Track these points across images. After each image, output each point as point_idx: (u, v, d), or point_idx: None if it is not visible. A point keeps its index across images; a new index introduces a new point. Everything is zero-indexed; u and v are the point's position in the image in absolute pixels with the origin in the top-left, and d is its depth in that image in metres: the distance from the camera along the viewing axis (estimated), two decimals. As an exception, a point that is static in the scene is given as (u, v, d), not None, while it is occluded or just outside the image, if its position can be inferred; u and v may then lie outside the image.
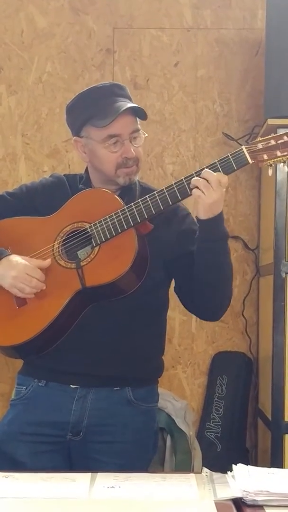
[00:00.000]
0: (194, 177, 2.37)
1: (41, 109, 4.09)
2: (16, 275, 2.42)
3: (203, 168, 2.37)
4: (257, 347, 4.05)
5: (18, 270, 2.43)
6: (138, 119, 2.52)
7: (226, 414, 3.99)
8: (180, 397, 3.91)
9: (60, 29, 4.10)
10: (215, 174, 2.34)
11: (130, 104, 2.48)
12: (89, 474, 2.13)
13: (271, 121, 3.43)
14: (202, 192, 2.34)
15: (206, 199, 2.34)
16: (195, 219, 2.44)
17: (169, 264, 2.53)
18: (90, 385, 2.49)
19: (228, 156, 2.37)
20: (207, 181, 2.33)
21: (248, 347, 4.06)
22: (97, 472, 2.15)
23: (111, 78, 4.04)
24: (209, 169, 2.37)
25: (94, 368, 2.48)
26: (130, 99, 2.55)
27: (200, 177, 2.34)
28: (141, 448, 2.54)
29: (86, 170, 2.62)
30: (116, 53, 4.10)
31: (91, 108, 2.49)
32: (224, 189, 2.36)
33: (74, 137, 2.58)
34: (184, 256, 2.50)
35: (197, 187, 2.34)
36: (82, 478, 2.10)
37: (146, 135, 2.57)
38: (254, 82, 4.07)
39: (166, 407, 3.75)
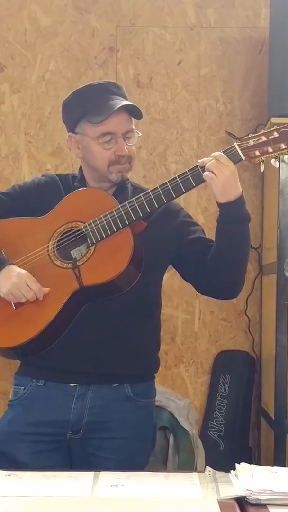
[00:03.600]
0: (189, 173, 2.39)
1: (44, 107, 4.09)
2: (17, 281, 2.42)
3: (195, 167, 2.39)
4: (260, 346, 4.05)
5: (19, 278, 2.43)
6: (133, 118, 2.53)
7: (229, 413, 3.99)
8: (183, 396, 3.91)
9: (63, 28, 4.10)
10: (223, 153, 2.36)
11: (125, 102, 2.49)
12: (92, 472, 2.13)
13: (274, 120, 3.43)
14: (213, 173, 2.35)
15: (218, 179, 2.35)
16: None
17: (176, 257, 2.56)
18: (89, 383, 2.49)
19: (221, 153, 2.37)
20: (216, 160, 2.35)
21: (251, 346, 4.05)
22: (99, 471, 2.15)
23: (114, 77, 4.04)
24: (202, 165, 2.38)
25: (92, 365, 2.48)
26: (126, 99, 2.55)
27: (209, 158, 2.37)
28: (140, 443, 2.55)
29: (80, 169, 2.63)
30: (119, 51, 4.10)
31: (86, 105, 2.50)
32: (236, 174, 2.36)
33: (69, 133, 2.59)
34: (189, 245, 2.52)
35: (207, 170, 2.36)
36: (85, 477, 2.09)
37: (140, 134, 2.57)
38: (258, 80, 4.06)
39: (169, 406, 3.75)
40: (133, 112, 2.52)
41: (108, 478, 2.08)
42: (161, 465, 3.72)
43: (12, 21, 4.09)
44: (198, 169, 2.38)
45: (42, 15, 4.09)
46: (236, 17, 4.09)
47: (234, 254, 2.48)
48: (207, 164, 2.36)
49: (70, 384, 2.49)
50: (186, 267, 2.59)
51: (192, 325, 4.07)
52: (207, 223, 4.01)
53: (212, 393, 4.04)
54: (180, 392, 3.97)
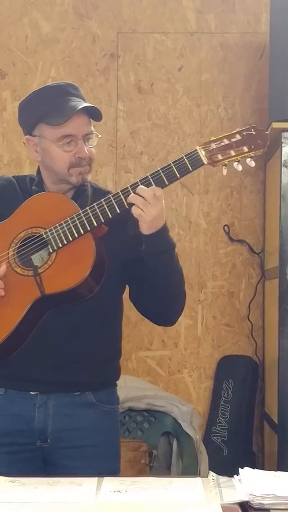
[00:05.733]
0: (151, 177, 2.35)
1: (46, 114, 4.09)
2: None
3: (146, 178, 2.34)
4: (263, 351, 4.05)
5: None
6: (92, 120, 2.48)
7: (232, 418, 3.99)
8: (186, 401, 3.91)
9: (64, 34, 4.11)
10: (149, 189, 2.32)
11: (85, 104, 2.45)
12: (96, 478, 2.13)
13: (275, 125, 3.43)
14: (142, 210, 2.32)
15: (147, 216, 2.32)
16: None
17: (126, 267, 2.49)
18: (49, 391, 2.44)
19: (183, 157, 2.33)
20: (143, 198, 2.31)
21: (254, 351, 4.06)
22: (103, 476, 2.15)
23: (116, 83, 4.05)
24: (164, 170, 2.33)
25: (52, 374, 2.43)
26: (84, 100, 2.51)
27: (135, 194, 2.32)
28: (111, 448, 2.51)
29: (38, 172, 2.57)
30: (120, 57, 4.11)
31: (45, 106, 2.46)
32: (163, 202, 2.34)
33: (26, 136, 2.54)
34: (139, 260, 2.45)
35: (135, 205, 2.32)
36: (88, 483, 2.09)
37: (100, 136, 2.53)
38: (258, 86, 4.07)
39: (172, 411, 3.75)
40: (93, 114, 2.47)
41: (111, 483, 2.08)
42: (165, 470, 3.72)
43: (13, 28, 4.10)
44: (161, 174, 2.34)
45: (43, 21, 4.10)
46: (236, 23, 4.10)
47: (165, 284, 2.43)
48: (131, 199, 2.32)
49: (31, 393, 2.45)
50: (132, 286, 2.54)
51: (194, 330, 4.07)
52: (209, 228, 4.03)
53: (215, 398, 4.04)
54: (184, 398, 3.97)
